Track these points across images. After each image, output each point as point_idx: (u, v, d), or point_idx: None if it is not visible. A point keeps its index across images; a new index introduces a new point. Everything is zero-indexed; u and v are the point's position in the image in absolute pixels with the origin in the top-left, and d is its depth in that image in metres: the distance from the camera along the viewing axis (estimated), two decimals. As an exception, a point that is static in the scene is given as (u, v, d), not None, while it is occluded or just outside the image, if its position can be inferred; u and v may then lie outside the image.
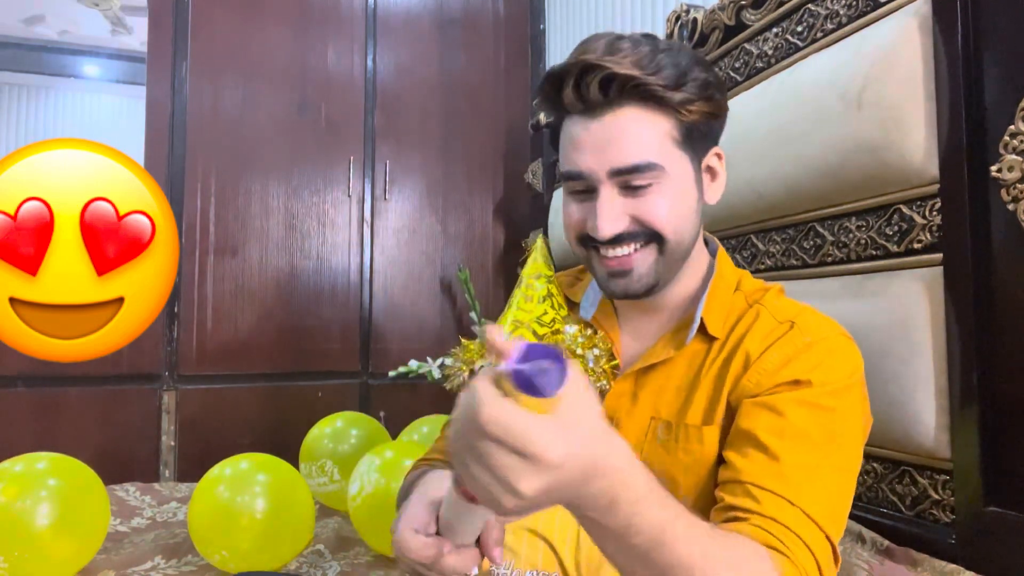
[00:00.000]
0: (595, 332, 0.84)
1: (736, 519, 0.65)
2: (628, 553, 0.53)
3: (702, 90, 0.74)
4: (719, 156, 0.82)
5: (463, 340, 0.78)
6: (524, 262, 0.84)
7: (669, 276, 0.78)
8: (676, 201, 0.75)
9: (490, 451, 0.44)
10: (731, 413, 0.73)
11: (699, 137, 0.77)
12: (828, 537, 0.64)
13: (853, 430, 0.70)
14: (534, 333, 0.75)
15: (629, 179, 0.73)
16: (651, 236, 0.75)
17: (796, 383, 0.70)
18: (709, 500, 0.74)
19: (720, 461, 0.74)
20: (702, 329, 0.78)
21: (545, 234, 2.37)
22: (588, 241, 0.77)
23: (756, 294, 0.81)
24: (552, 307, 0.78)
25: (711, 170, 0.81)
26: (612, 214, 0.74)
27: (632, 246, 0.75)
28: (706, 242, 0.86)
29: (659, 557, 0.53)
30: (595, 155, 0.74)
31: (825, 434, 0.68)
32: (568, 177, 0.77)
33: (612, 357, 0.82)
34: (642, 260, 0.76)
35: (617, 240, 0.75)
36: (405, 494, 0.81)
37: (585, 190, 0.76)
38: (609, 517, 0.51)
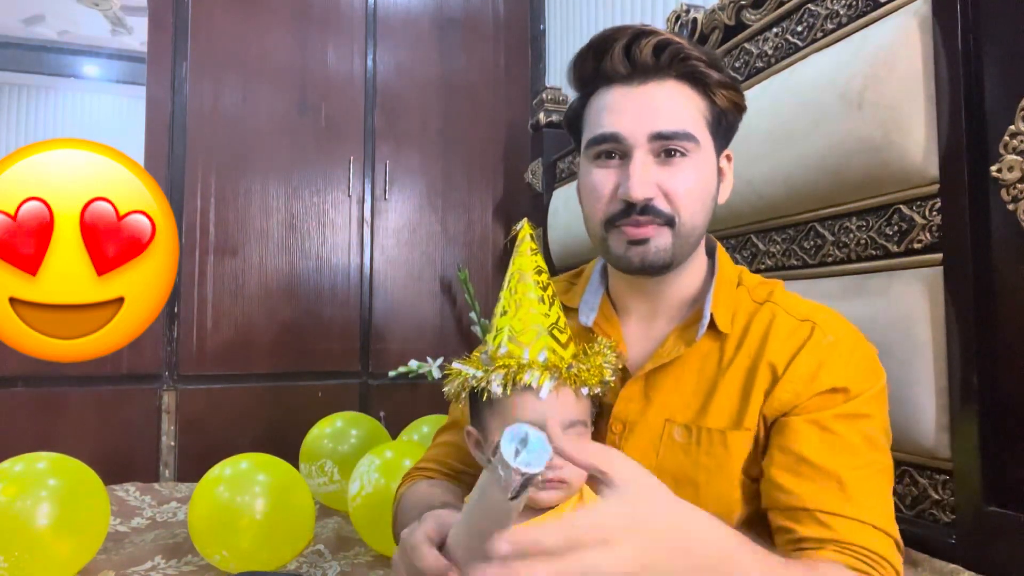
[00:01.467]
0: (594, 336, 0.82)
1: (810, 549, 0.66)
2: None
3: (733, 81, 0.77)
4: (729, 158, 0.83)
5: (475, 353, 0.77)
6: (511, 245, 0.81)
7: (681, 258, 0.78)
8: (701, 181, 0.76)
9: (568, 564, 0.45)
10: (766, 424, 0.74)
11: (724, 128, 0.79)
12: (893, 538, 0.68)
13: (886, 430, 0.74)
14: (555, 340, 0.74)
15: (668, 144, 0.74)
16: (669, 219, 0.75)
17: (833, 391, 0.71)
18: (733, 504, 0.74)
19: (750, 467, 0.74)
20: (711, 326, 0.77)
21: (545, 234, 2.37)
22: (615, 219, 0.76)
23: (761, 290, 0.81)
24: (560, 309, 0.77)
25: (721, 171, 0.82)
26: (646, 177, 0.73)
27: (653, 221, 0.75)
28: None
29: None
30: (636, 117, 0.74)
31: (868, 442, 0.70)
32: (601, 140, 0.76)
33: (618, 356, 0.80)
34: (659, 235, 0.75)
35: (644, 210, 0.74)
36: (406, 511, 0.80)
37: (615, 154, 0.76)
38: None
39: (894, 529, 0.69)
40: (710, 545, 0.52)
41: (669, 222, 0.75)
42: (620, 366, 0.79)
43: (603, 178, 0.77)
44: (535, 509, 0.72)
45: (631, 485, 0.49)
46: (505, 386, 0.70)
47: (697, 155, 0.75)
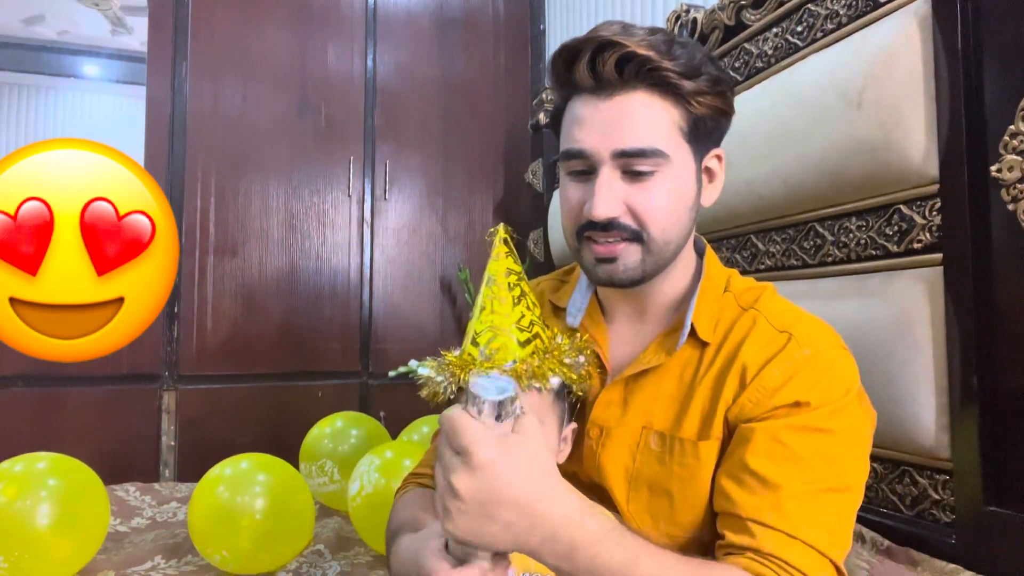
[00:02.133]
0: (574, 334, 0.82)
1: (731, 555, 0.66)
2: None
3: (713, 85, 0.73)
4: (719, 158, 0.80)
5: (443, 352, 0.76)
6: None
7: (656, 271, 0.76)
8: (673, 195, 0.74)
9: (441, 447, 0.54)
10: (729, 429, 0.72)
11: (705, 133, 0.76)
12: (832, 560, 0.65)
13: (853, 447, 0.70)
14: (512, 339, 0.73)
15: (632, 163, 0.71)
16: (635, 235, 0.73)
17: (796, 405, 0.69)
18: (706, 513, 0.73)
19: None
20: (692, 334, 0.76)
21: (545, 234, 2.37)
22: (584, 230, 0.75)
23: (748, 295, 0.79)
24: (527, 308, 0.76)
25: (710, 171, 0.80)
26: (610, 196, 0.72)
27: (619, 236, 0.73)
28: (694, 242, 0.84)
29: None
30: (600, 134, 0.72)
31: (822, 457, 0.67)
32: (569, 156, 0.75)
33: (595, 356, 0.81)
34: (627, 253, 0.74)
35: (608, 226, 0.73)
36: (399, 525, 0.80)
37: (585, 170, 0.75)
38: (572, 562, 0.56)
39: (833, 551, 0.66)
40: (563, 527, 0.56)
41: (636, 237, 0.73)
42: (587, 364, 0.78)
43: (573, 192, 0.76)
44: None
45: (518, 444, 0.55)
46: (448, 385, 0.71)
47: (667, 170, 0.72)
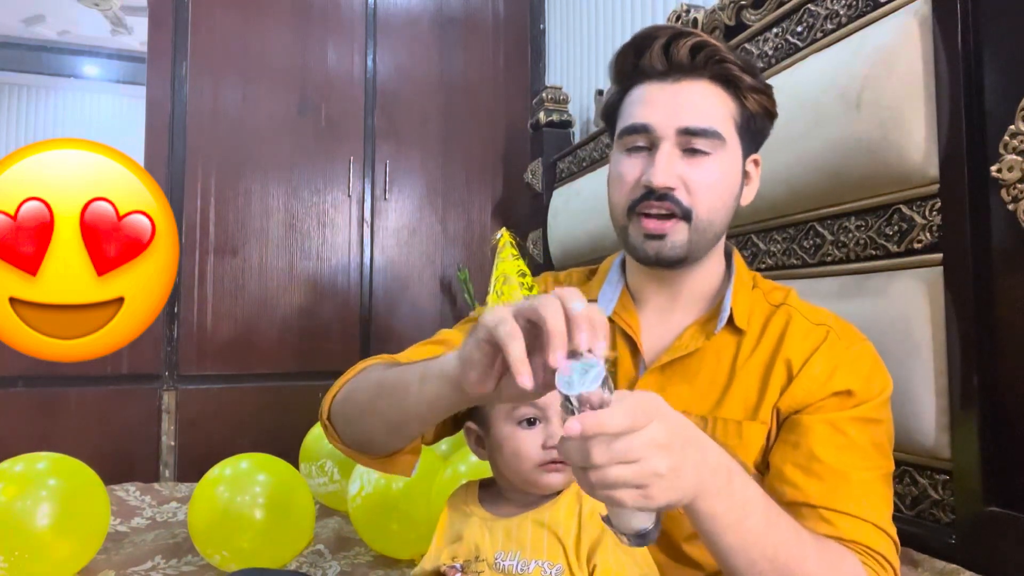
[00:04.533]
0: (614, 327, 0.85)
1: None
2: (745, 540, 0.58)
3: (765, 85, 0.80)
4: (756, 163, 0.85)
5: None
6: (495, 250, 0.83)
7: (697, 254, 0.80)
8: (723, 179, 0.79)
9: (602, 447, 0.48)
10: (778, 420, 0.76)
11: (753, 132, 0.82)
12: (893, 539, 0.70)
13: (891, 436, 0.76)
14: None
15: (692, 141, 0.76)
16: (686, 212, 0.77)
17: (848, 393, 0.73)
18: None
19: (759, 461, 0.76)
20: (729, 321, 0.80)
21: (544, 234, 2.37)
22: (636, 204, 0.79)
23: (776, 294, 0.83)
24: None
25: (747, 174, 0.84)
26: (670, 168, 0.76)
27: (670, 210, 0.77)
28: None
29: (774, 535, 0.59)
30: (667, 112, 0.77)
31: (875, 445, 0.73)
32: (632, 130, 0.79)
33: (630, 341, 0.83)
34: (675, 231, 0.78)
35: (663, 197, 0.77)
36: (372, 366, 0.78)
37: (644, 146, 0.79)
38: (731, 491, 0.56)
39: (894, 531, 0.71)
40: (719, 455, 0.57)
41: (686, 215, 0.77)
42: (612, 364, 0.82)
43: (630, 166, 0.80)
44: (541, 495, 0.75)
45: (637, 393, 0.53)
46: None
47: (722, 154, 0.78)
